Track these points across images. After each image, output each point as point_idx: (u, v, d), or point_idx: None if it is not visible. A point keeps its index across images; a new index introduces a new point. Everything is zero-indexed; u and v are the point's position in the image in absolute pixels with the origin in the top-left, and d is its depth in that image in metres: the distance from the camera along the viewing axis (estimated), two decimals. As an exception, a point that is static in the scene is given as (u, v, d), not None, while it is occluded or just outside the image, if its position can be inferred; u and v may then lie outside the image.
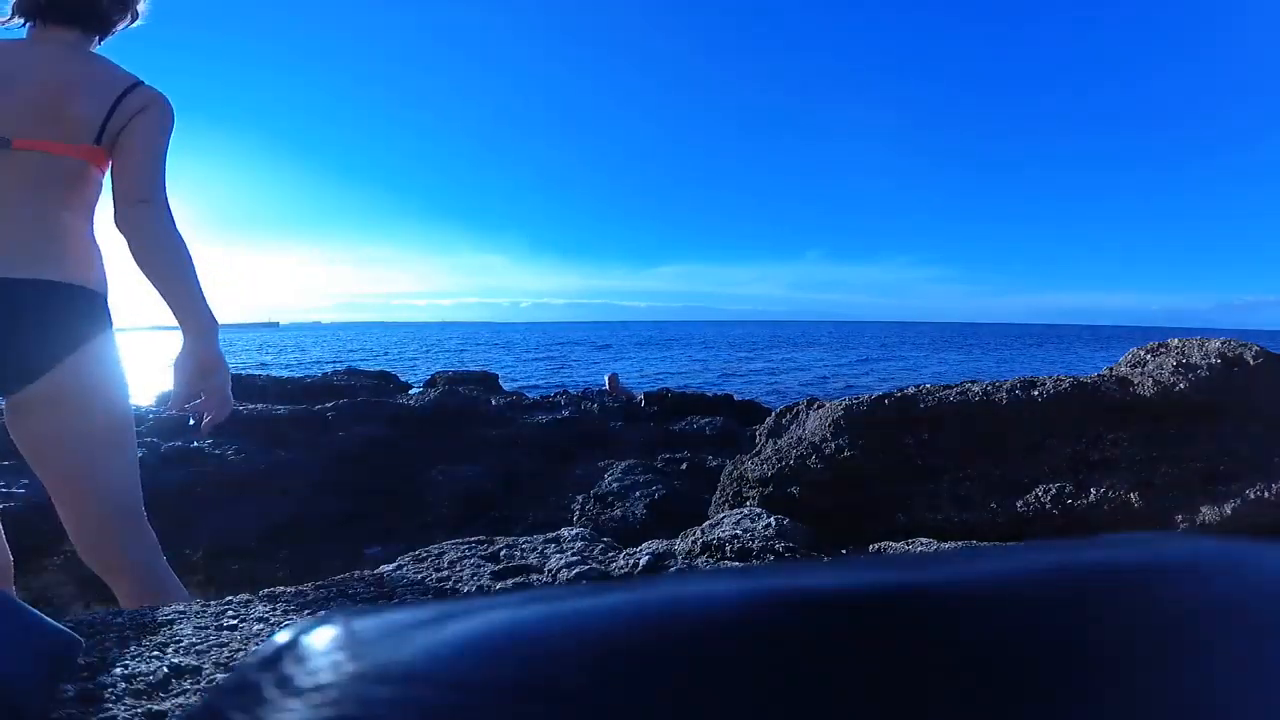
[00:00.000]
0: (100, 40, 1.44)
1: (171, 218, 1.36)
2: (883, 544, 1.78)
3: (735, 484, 2.28)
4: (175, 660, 0.96)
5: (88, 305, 1.34)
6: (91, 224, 1.39)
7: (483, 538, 1.66)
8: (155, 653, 0.98)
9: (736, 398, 7.88)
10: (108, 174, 1.38)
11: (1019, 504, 1.87)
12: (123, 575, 1.40)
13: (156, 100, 1.38)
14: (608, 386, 8.64)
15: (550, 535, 1.68)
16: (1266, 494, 1.73)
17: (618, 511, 3.18)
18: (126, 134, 1.34)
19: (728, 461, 2.58)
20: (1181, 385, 2.03)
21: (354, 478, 3.88)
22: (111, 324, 1.38)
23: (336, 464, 4.00)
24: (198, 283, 1.36)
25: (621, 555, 1.57)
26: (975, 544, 1.78)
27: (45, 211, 1.29)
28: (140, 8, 1.48)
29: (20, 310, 1.25)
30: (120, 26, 1.46)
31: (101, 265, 1.39)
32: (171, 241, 1.34)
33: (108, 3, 1.39)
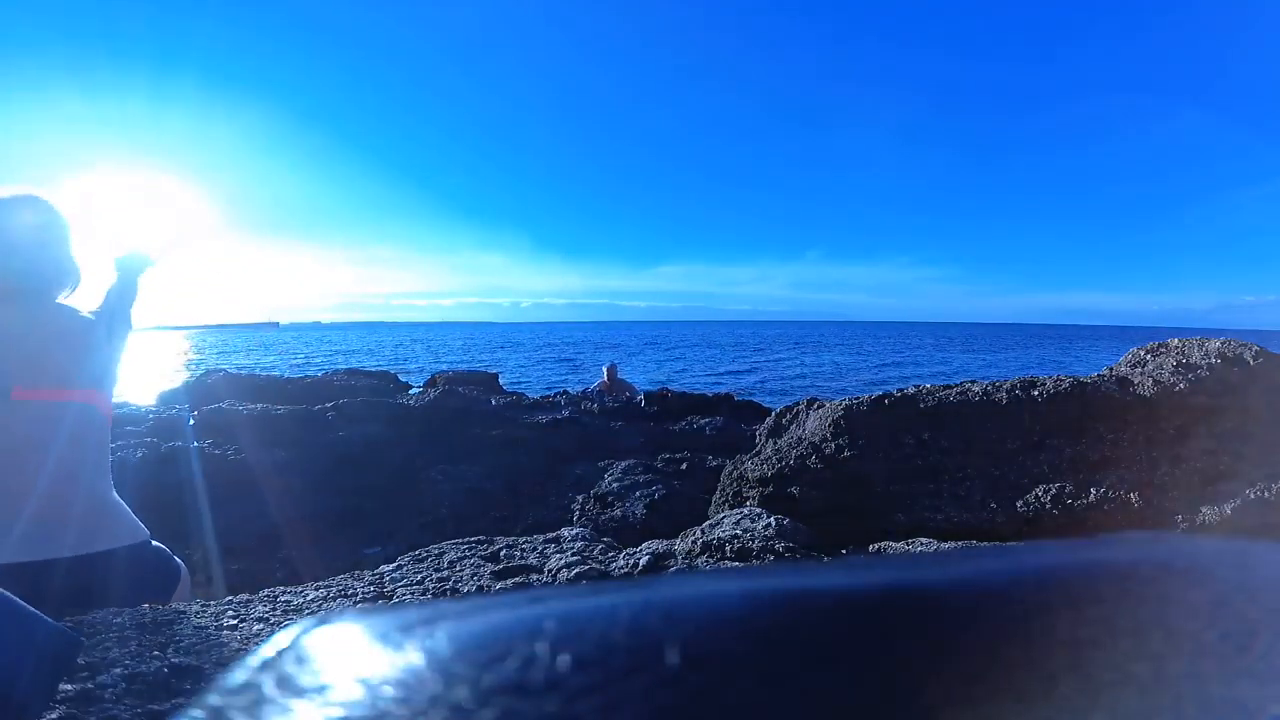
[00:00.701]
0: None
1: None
2: (883, 544, 1.78)
3: (735, 484, 2.28)
4: (175, 660, 0.96)
5: (159, 563, 1.39)
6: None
7: (483, 538, 1.66)
8: (155, 653, 0.98)
9: (736, 398, 7.85)
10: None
11: (1019, 504, 1.87)
12: None
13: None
14: (605, 379, 7.89)
15: (550, 535, 1.68)
16: (1266, 494, 1.73)
17: (618, 511, 3.18)
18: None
19: (728, 461, 2.58)
20: (1181, 385, 2.03)
21: (354, 478, 3.88)
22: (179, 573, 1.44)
23: (336, 464, 4.00)
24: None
25: (621, 555, 1.57)
26: (975, 544, 1.78)
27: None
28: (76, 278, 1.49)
29: (104, 591, 1.25)
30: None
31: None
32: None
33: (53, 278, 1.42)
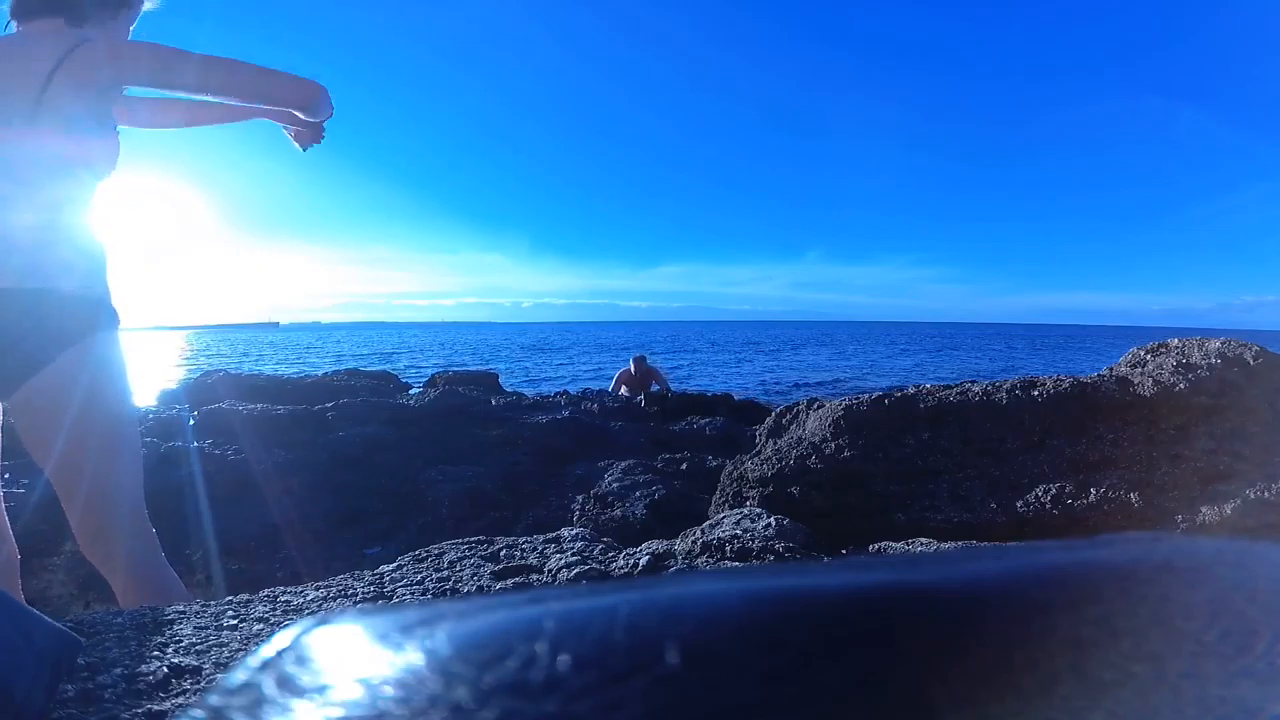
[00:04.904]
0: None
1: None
2: (883, 544, 1.78)
3: (735, 484, 2.28)
4: (175, 660, 0.96)
5: (70, 309, 1.33)
6: (83, 221, 1.38)
7: (483, 538, 1.66)
8: (155, 653, 0.98)
9: (736, 398, 7.85)
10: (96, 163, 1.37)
11: (1019, 504, 1.87)
12: (122, 571, 1.40)
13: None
14: (632, 370, 7.50)
15: (550, 535, 1.68)
16: (1266, 494, 1.73)
17: (618, 512, 3.18)
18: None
19: (728, 461, 2.58)
20: (1181, 385, 2.03)
21: (354, 478, 3.88)
22: (108, 323, 1.38)
23: (336, 464, 4.00)
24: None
25: (621, 555, 1.57)
26: (975, 544, 1.78)
27: (26, 211, 1.29)
28: None
29: None
30: (119, 14, 1.45)
31: (89, 265, 1.38)
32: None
33: None
